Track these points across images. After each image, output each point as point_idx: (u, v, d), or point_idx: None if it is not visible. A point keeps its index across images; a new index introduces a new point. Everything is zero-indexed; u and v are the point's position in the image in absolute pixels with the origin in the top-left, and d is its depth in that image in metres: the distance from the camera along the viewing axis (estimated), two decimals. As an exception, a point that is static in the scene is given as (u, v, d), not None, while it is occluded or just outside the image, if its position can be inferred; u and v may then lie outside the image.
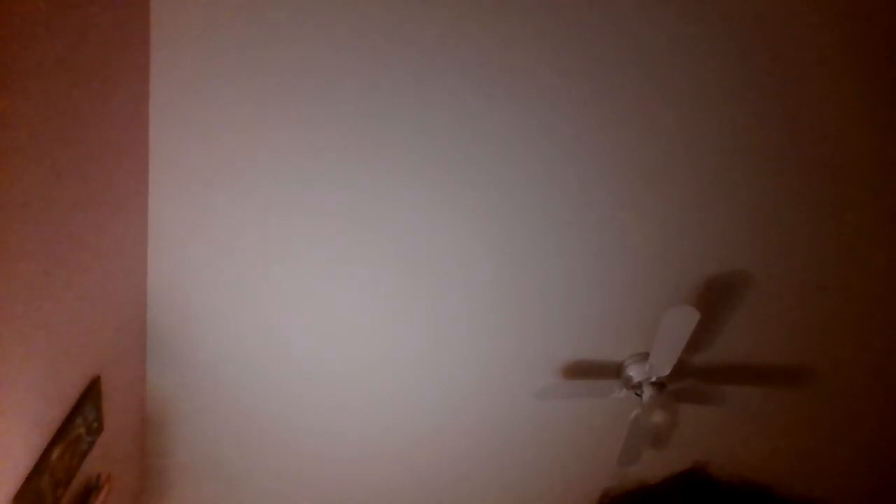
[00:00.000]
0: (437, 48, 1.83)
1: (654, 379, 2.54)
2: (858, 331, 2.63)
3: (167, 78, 1.85)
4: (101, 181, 1.74)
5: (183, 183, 2.08)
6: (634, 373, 2.61)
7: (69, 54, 1.44)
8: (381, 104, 1.93)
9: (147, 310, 2.41)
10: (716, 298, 2.48)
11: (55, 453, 1.87)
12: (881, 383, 2.84)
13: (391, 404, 2.84)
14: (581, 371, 2.72)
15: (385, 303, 2.45)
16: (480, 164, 2.08)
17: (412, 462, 3.12)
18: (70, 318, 1.79)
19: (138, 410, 2.68)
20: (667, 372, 2.48)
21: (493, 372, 2.71)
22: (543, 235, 2.26)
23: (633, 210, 2.20)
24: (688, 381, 2.74)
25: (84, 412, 2.00)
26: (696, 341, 2.57)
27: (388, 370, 2.69)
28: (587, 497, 3.30)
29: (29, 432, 1.72)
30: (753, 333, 2.61)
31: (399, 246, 2.28)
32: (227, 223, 2.19)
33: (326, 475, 3.16)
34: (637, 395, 2.60)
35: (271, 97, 1.91)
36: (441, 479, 3.23)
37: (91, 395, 2.03)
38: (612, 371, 2.72)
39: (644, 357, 2.60)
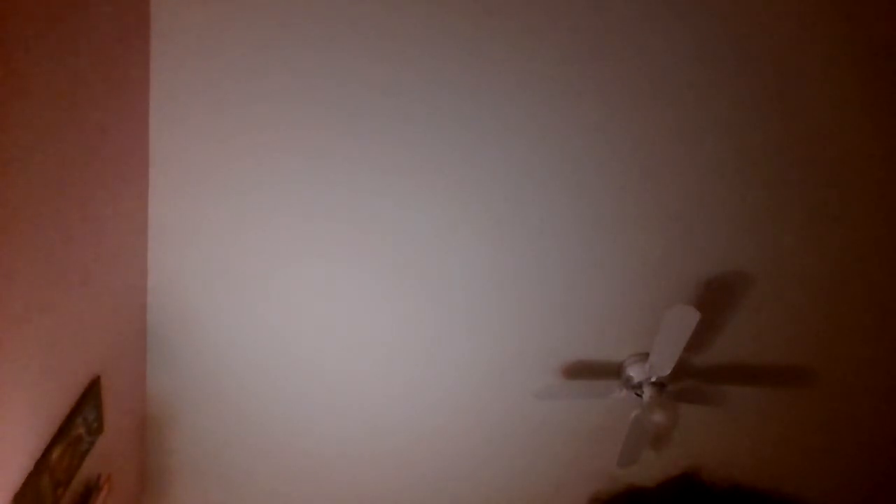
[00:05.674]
0: (439, 50, 1.83)
1: (654, 379, 2.54)
2: (858, 331, 2.63)
3: (167, 78, 1.85)
4: (101, 181, 1.74)
5: (183, 183, 2.08)
6: (634, 373, 2.61)
7: (69, 54, 1.44)
8: (382, 105, 1.93)
9: (147, 310, 2.41)
10: (716, 298, 2.48)
11: (55, 453, 1.87)
12: (881, 383, 2.84)
13: (391, 404, 2.84)
14: (581, 371, 2.72)
15: (385, 303, 2.45)
16: (481, 165, 2.08)
17: (412, 462, 3.12)
18: (70, 317, 1.79)
19: (138, 410, 2.68)
20: (667, 372, 2.48)
21: (493, 372, 2.71)
22: (544, 236, 2.26)
23: (633, 210, 2.21)
24: (688, 381, 2.73)
25: (84, 412, 2.00)
26: (696, 341, 2.57)
27: (389, 370, 2.69)
28: (588, 497, 3.30)
29: (29, 432, 1.72)
30: (753, 333, 2.61)
31: (399, 246, 2.28)
32: (227, 223, 2.19)
33: (326, 475, 3.16)
34: (637, 395, 2.60)
35: (271, 97, 1.91)
36: (441, 480, 3.22)
37: (91, 395, 2.03)
38: (612, 371, 2.71)
39: (644, 357, 2.60)
